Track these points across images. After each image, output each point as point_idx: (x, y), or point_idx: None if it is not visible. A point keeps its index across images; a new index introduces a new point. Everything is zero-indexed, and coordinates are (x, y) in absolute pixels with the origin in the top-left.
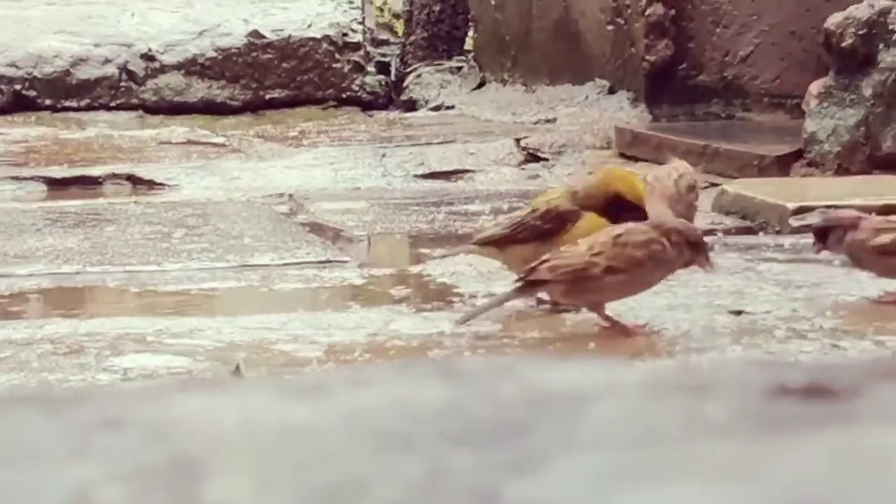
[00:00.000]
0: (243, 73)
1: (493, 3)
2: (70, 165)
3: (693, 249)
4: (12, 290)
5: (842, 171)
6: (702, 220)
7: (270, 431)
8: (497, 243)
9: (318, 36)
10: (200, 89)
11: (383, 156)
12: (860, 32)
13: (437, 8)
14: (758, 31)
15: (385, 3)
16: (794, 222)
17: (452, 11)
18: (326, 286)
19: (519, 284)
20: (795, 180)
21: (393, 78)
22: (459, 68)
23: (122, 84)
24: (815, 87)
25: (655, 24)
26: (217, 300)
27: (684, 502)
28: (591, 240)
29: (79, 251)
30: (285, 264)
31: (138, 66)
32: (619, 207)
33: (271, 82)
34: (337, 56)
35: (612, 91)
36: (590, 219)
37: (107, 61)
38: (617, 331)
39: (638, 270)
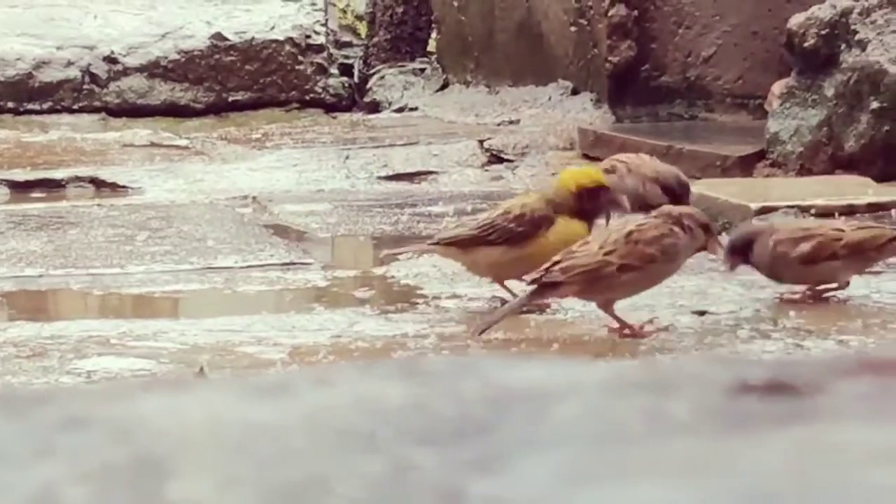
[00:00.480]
0: (206, 75)
1: (455, 4)
2: (33, 168)
3: (706, 232)
4: None
5: (804, 171)
6: None
7: (234, 430)
8: (461, 244)
9: (281, 38)
10: (163, 92)
11: (347, 157)
12: (822, 33)
13: (399, 10)
14: (720, 31)
15: (348, 5)
16: (758, 222)
17: (415, 13)
18: (290, 288)
19: (532, 289)
20: (758, 181)
21: (356, 80)
22: (422, 70)
23: (85, 87)
24: (778, 87)
25: (618, 25)
26: (181, 302)
27: (647, 500)
28: (602, 238)
29: (42, 254)
30: (249, 266)
31: (101, 69)
32: (587, 199)
33: (234, 84)
34: (300, 58)
35: (575, 92)
36: (563, 223)
37: (69, 64)
38: (627, 332)
39: (651, 266)
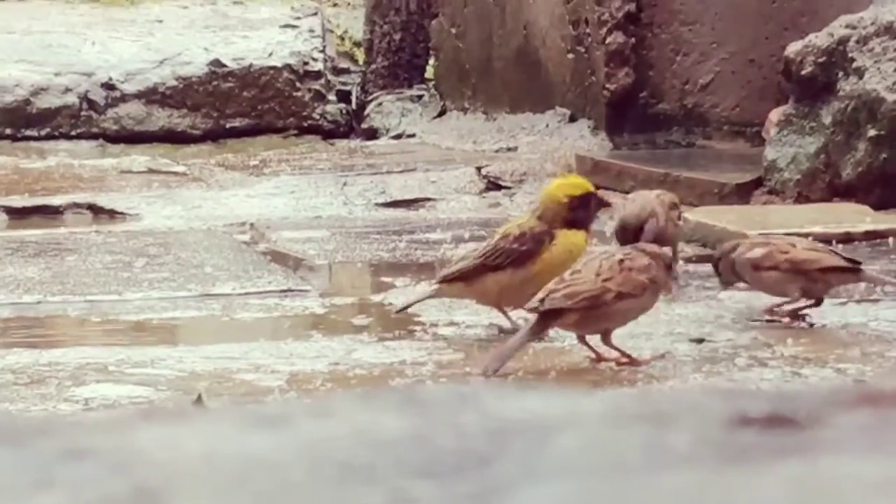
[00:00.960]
0: (204, 101)
1: (453, 31)
2: (31, 195)
3: (667, 272)
4: None
5: (802, 198)
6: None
7: (232, 462)
8: (466, 277)
9: (279, 65)
10: (161, 118)
11: (344, 184)
12: (820, 60)
13: (397, 36)
14: (718, 59)
15: (346, 32)
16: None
17: (413, 40)
18: (288, 315)
19: (535, 318)
20: (756, 208)
21: (354, 106)
22: (420, 97)
23: (83, 113)
24: (775, 114)
25: (616, 53)
26: (178, 329)
27: None
28: (594, 266)
29: (40, 280)
30: (247, 293)
31: (99, 95)
32: (579, 207)
33: (232, 111)
34: (298, 85)
35: (572, 119)
36: (564, 236)
37: (67, 90)
38: (625, 361)
39: (644, 295)
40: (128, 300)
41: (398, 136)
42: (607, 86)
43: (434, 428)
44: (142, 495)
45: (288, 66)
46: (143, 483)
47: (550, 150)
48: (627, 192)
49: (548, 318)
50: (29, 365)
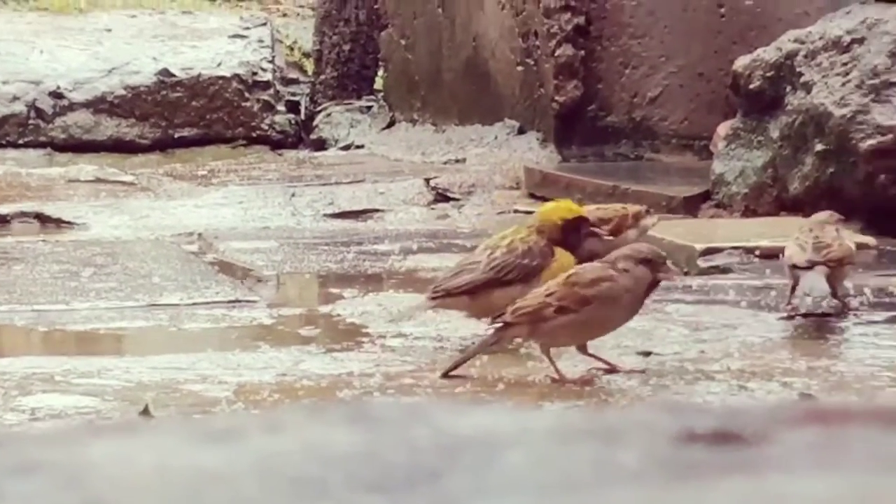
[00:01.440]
0: (152, 111)
1: (403, 43)
2: None
3: (651, 266)
4: None
5: (749, 212)
6: None
7: (184, 477)
8: (471, 291)
9: (228, 75)
10: (109, 127)
11: (293, 195)
12: (768, 75)
13: (346, 47)
14: (666, 72)
15: (295, 43)
16: (703, 263)
17: (362, 51)
18: (236, 326)
19: (496, 327)
20: (703, 221)
21: (303, 117)
22: (369, 108)
23: (31, 121)
24: (723, 128)
25: (565, 65)
26: (126, 340)
27: None
28: (551, 281)
29: None
30: (194, 304)
31: (47, 104)
32: (571, 231)
33: (181, 121)
34: (246, 95)
35: (521, 131)
36: (560, 255)
37: (15, 98)
38: (557, 379)
39: (586, 309)
40: (75, 310)
41: (347, 147)
42: (556, 98)
43: (384, 443)
44: None
45: (237, 77)
46: (94, 498)
47: (499, 162)
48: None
49: (502, 330)
50: None
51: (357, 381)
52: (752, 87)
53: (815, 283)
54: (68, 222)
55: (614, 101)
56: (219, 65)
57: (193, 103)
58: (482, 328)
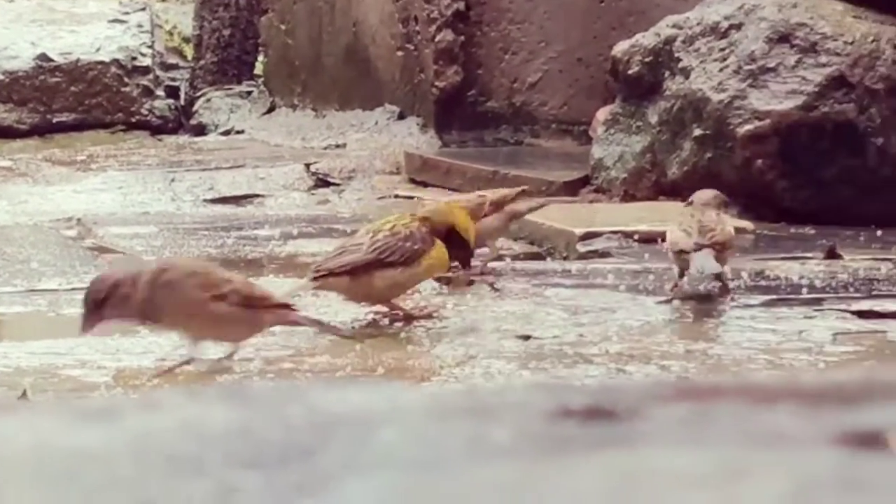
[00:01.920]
0: (31, 96)
1: (283, 28)
2: None
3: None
4: None
5: (628, 197)
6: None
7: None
8: (353, 272)
9: (107, 59)
10: None
11: (172, 180)
12: (646, 60)
13: (226, 32)
14: (546, 57)
15: (175, 28)
16: (581, 248)
17: (242, 36)
18: None
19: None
20: (583, 206)
21: (182, 102)
22: (249, 93)
23: None
24: (602, 113)
25: (445, 51)
26: (3, 325)
27: None
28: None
29: None
30: (73, 289)
31: None
32: (453, 242)
33: (59, 106)
34: (126, 80)
35: (401, 117)
36: (438, 245)
37: None
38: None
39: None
40: None
41: (227, 133)
42: (436, 83)
43: (259, 421)
44: None
45: (116, 62)
46: None
47: (379, 147)
48: (456, 190)
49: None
50: None
51: (237, 366)
52: (630, 72)
53: (706, 263)
54: None
55: (494, 86)
56: (98, 50)
57: (72, 88)
58: (362, 312)
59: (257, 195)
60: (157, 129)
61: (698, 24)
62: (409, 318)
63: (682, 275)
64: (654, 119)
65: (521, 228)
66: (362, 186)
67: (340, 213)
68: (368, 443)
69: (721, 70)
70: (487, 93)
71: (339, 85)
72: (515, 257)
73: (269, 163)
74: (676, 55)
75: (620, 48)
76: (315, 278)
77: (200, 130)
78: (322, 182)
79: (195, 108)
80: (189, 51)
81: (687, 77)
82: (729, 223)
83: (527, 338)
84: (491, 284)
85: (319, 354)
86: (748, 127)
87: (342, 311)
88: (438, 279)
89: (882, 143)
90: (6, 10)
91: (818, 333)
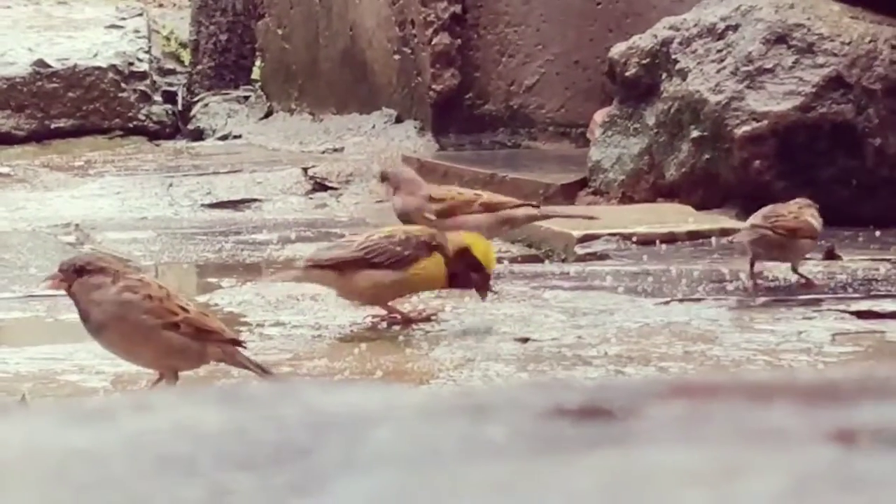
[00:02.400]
0: (28, 102)
1: (279, 32)
2: None
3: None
4: None
5: (626, 199)
6: None
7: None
8: (340, 267)
9: (104, 65)
10: None
11: (170, 185)
12: (644, 62)
13: (223, 37)
14: (543, 60)
15: (172, 33)
16: (580, 250)
17: (239, 41)
18: None
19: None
20: (580, 209)
21: (180, 107)
22: (246, 98)
23: None
24: (600, 116)
25: (442, 54)
26: (2, 331)
27: None
28: None
29: None
30: None
31: None
32: (468, 266)
33: (57, 112)
34: (123, 85)
35: (399, 120)
36: (435, 258)
37: None
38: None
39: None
40: None
41: (224, 137)
42: (433, 87)
43: (253, 421)
44: None
45: (113, 67)
46: None
47: (377, 151)
48: None
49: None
50: None
51: (235, 370)
52: (628, 74)
53: (739, 237)
54: None
55: (491, 89)
56: (95, 55)
57: (70, 94)
58: (360, 316)
59: (255, 199)
60: (155, 134)
61: (695, 25)
62: (407, 321)
63: (752, 265)
64: (651, 121)
65: (519, 231)
66: (360, 190)
67: (338, 217)
68: (362, 442)
69: (718, 71)
70: (484, 96)
71: (337, 89)
72: (514, 260)
73: (266, 167)
74: (674, 57)
75: (617, 50)
76: (305, 268)
77: (198, 135)
78: (320, 186)
79: (192, 112)
80: (186, 56)
81: (684, 79)
82: (810, 216)
83: (525, 340)
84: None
85: (318, 358)
86: (746, 128)
87: (340, 315)
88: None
89: (880, 143)
90: (3, 16)
91: (817, 334)
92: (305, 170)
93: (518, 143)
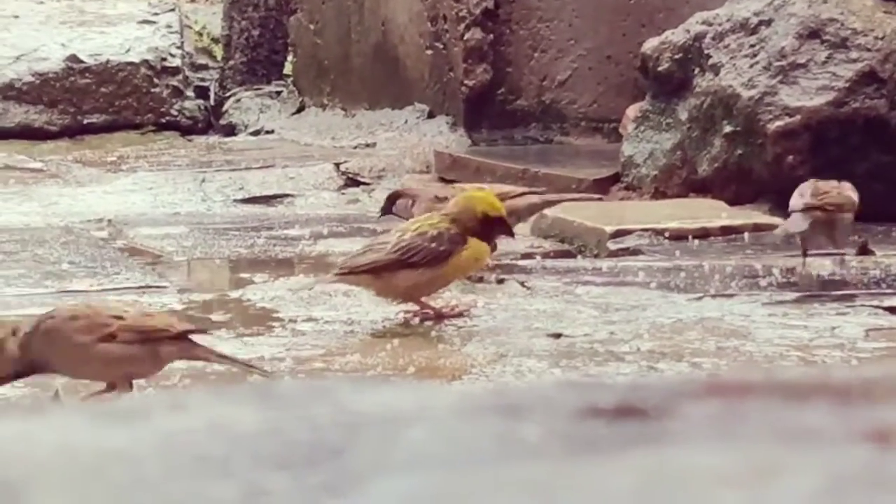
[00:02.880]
0: (61, 97)
1: (311, 27)
2: None
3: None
4: None
5: (659, 194)
6: (521, 244)
7: (88, 456)
8: (377, 270)
9: (137, 60)
10: (18, 114)
11: (203, 181)
12: (676, 57)
13: (255, 32)
14: (575, 55)
15: (204, 28)
16: (612, 245)
17: (271, 36)
18: None
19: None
20: (613, 204)
21: (212, 102)
22: (279, 93)
23: None
24: (632, 111)
25: (474, 49)
26: None
27: None
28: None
29: None
30: (104, 290)
31: None
32: (489, 225)
33: (89, 107)
34: (156, 81)
35: (431, 115)
36: (473, 243)
37: None
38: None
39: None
40: None
41: (256, 133)
42: (465, 82)
43: (288, 421)
44: None
45: (145, 62)
46: None
47: (409, 147)
48: None
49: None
50: None
51: (268, 366)
52: (660, 69)
53: (791, 223)
54: None
55: (523, 84)
56: (127, 51)
57: (102, 89)
58: (392, 311)
59: (287, 195)
60: (187, 129)
61: (728, 20)
62: (439, 317)
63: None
64: (684, 116)
65: (551, 226)
66: (392, 185)
67: (370, 212)
68: (397, 442)
69: (751, 66)
70: (517, 91)
71: (369, 84)
72: (546, 255)
73: (298, 162)
74: (706, 52)
75: (650, 45)
76: (337, 274)
77: (230, 131)
78: (352, 181)
79: (225, 108)
80: (218, 51)
81: (717, 73)
82: (850, 190)
83: (558, 336)
84: (522, 282)
85: (350, 353)
86: (779, 123)
87: (372, 310)
88: (469, 277)
89: None
90: (36, 11)
91: (850, 329)
92: (337, 165)
93: (550, 138)
